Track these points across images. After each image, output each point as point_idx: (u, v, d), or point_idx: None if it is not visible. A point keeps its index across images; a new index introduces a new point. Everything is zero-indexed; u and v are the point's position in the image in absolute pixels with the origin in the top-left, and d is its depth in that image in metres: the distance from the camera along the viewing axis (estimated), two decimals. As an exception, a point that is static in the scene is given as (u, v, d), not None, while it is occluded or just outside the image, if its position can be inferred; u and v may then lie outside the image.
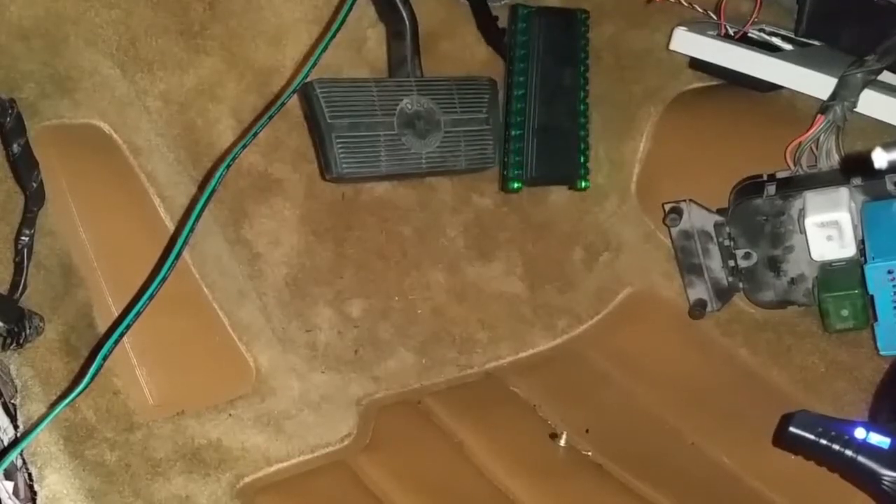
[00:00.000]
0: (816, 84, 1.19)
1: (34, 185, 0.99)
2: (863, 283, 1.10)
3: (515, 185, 1.32)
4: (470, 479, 1.09)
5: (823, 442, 0.95)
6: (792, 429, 0.97)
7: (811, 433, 0.96)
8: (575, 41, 1.36)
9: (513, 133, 1.32)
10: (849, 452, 0.94)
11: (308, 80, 1.10)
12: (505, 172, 1.33)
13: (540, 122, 1.33)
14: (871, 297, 1.09)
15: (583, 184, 1.38)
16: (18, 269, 0.97)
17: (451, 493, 1.06)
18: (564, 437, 1.15)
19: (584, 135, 1.37)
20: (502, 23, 1.37)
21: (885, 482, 0.92)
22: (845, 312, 1.13)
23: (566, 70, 1.35)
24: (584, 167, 1.37)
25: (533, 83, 1.32)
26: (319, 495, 1.04)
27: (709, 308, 1.27)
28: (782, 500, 1.09)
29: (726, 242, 1.24)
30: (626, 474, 1.11)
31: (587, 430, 1.17)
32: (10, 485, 0.87)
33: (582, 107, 1.37)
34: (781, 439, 1.00)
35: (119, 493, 0.93)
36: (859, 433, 0.94)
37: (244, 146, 0.98)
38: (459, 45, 1.37)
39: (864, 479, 0.94)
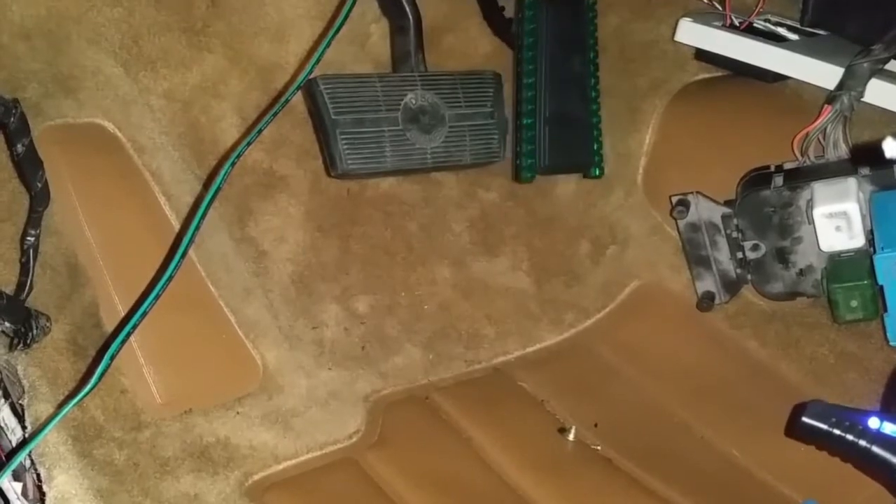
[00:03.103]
0: (823, 74, 1.19)
1: (39, 185, 0.99)
2: (872, 273, 1.09)
3: (528, 174, 1.31)
4: (479, 474, 1.09)
5: (837, 432, 0.94)
6: (805, 419, 0.96)
7: (824, 423, 0.95)
8: (583, 27, 1.35)
9: (524, 122, 1.30)
10: (863, 443, 0.93)
11: (312, 76, 1.10)
12: (518, 162, 1.31)
13: (551, 111, 1.31)
14: (881, 287, 1.08)
15: (597, 171, 1.36)
16: (24, 269, 0.97)
17: (460, 488, 1.06)
18: (573, 431, 1.15)
19: (597, 122, 1.36)
20: (508, 13, 1.36)
21: (901, 472, 0.92)
22: (854, 303, 1.13)
23: (576, 57, 1.34)
24: (598, 154, 1.36)
25: (543, 71, 1.31)
26: (328, 492, 1.03)
27: (717, 300, 1.27)
28: (793, 493, 1.08)
29: (734, 234, 1.23)
30: (635, 468, 1.10)
31: (596, 425, 1.16)
32: (18, 486, 0.87)
33: (593, 93, 1.36)
34: (794, 430, 0.99)
35: (128, 492, 0.93)
36: (873, 423, 0.94)
37: (249, 143, 0.98)
38: (463, 39, 1.36)
39: (879, 470, 0.94)
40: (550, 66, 1.31)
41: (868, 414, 0.95)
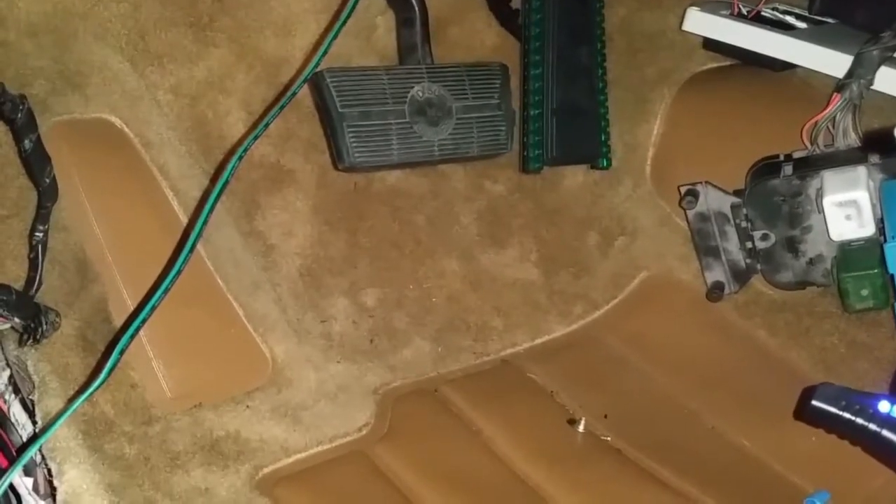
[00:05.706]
0: (832, 62, 1.18)
1: (47, 180, 0.99)
2: (882, 262, 1.09)
3: (536, 165, 1.32)
4: (489, 466, 1.09)
5: (847, 416, 0.94)
6: (815, 402, 0.96)
7: (834, 406, 0.95)
8: (590, 18, 1.35)
9: (531, 113, 1.30)
10: (873, 426, 0.93)
11: (318, 69, 1.10)
12: (525, 153, 1.32)
13: (558, 102, 1.32)
14: (891, 276, 1.08)
15: (604, 162, 1.37)
16: (33, 265, 0.97)
17: (470, 480, 1.06)
18: (583, 422, 1.15)
19: (604, 113, 1.36)
20: (515, 3, 1.35)
21: (910, 455, 0.92)
22: (865, 292, 1.12)
23: (583, 48, 1.34)
24: (606, 145, 1.36)
25: (550, 62, 1.31)
26: (338, 485, 1.04)
27: (727, 290, 1.26)
28: (804, 483, 1.08)
29: (743, 224, 1.23)
30: (645, 459, 1.10)
31: (606, 416, 1.16)
32: (29, 481, 0.87)
33: (600, 84, 1.36)
34: (804, 413, 0.99)
35: (139, 486, 0.93)
36: (883, 406, 0.93)
37: (256, 137, 0.98)
38: (469, 30, 1.36)
39: (889, 453, 0.94)
40: (557, 58, 1.31)
41: (878, 397, 0.94)
